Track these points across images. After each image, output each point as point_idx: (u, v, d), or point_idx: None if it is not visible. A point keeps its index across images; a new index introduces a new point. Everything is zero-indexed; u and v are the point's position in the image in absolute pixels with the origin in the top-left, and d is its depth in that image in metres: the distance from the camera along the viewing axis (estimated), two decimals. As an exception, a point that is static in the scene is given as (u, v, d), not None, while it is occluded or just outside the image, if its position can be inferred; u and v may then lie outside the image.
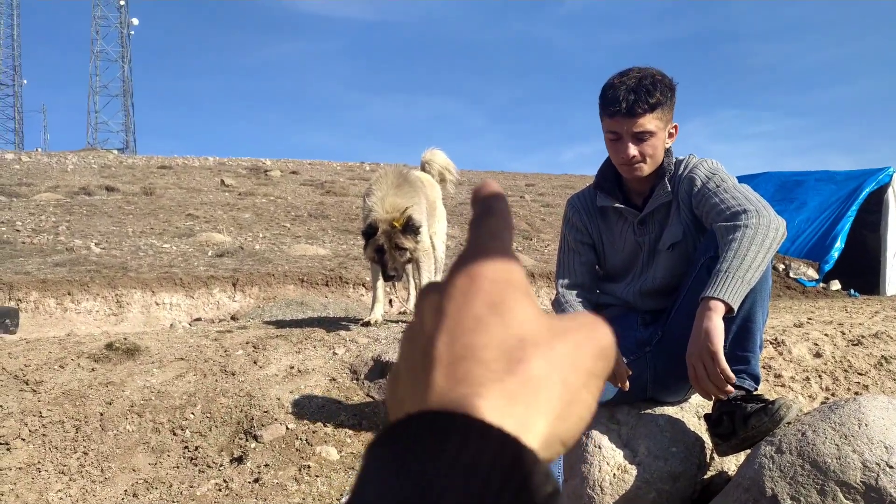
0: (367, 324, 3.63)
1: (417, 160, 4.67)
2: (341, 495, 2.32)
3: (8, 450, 2.58)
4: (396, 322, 3.79)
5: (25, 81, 57.41)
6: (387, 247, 3.47)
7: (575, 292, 2.30)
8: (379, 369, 2.99)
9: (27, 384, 2.93)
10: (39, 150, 32.26)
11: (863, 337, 2.95)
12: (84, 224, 9.76)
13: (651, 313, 2.26)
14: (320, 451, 2.51)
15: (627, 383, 2.03)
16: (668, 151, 2.20)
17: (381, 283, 3.83)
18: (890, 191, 8.77)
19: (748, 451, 2.03)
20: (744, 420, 1.98)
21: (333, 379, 2.98)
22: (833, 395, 2.61)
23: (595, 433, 2.18)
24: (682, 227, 2.16)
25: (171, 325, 5.77)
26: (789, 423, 1.95)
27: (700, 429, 2.21)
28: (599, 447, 2.14)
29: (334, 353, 3.18)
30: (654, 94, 2.02)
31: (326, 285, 6.90)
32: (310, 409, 2.75)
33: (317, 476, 2.40)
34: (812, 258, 8.74)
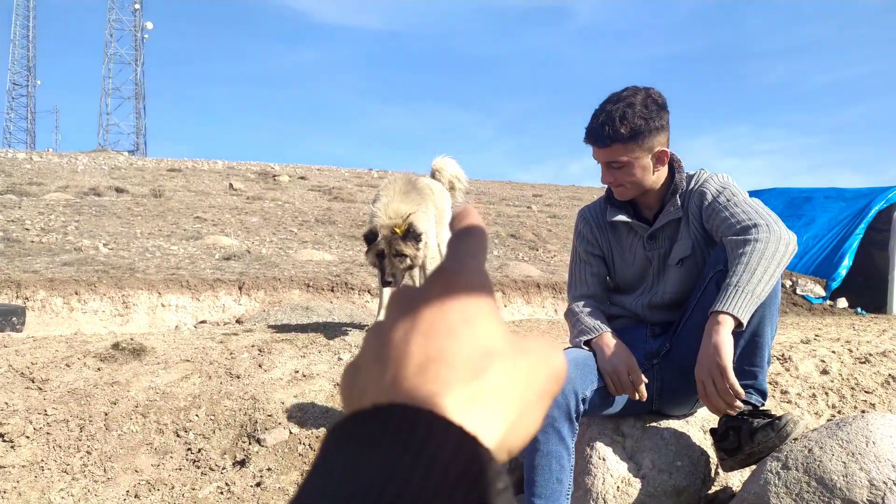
0: (373, 330, 3.65)
1: (426, 168, 4.68)
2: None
3: (12, 447, 2.58)
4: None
5: (39, 82, 58.00)
6: (386, 252, 3.49)
7: (583, 302, 2.31)
8: (383, 376, 2.99)
9: (33, 382, 2.95)
10: (51, 150, 32.51)
11: (870, 355, 2.93)
12: (93, 224, 9.82)
13: (660, 325, 2.26)
14: (323, 457, 2.50)
15: (644, 391, 2.02)
16: (676, 167, 2.19)
17: (387, 288, 3.83)
18: (899, 209, 8.73)
19: (753, 466, 2.01)
20: (750, 435, 1.97)
21: (338, 384, 2.98)
22: (839, 412, 2.59)
23: (599, 445, 2.17)
24: (691, 241, 2.16)
25: (177, 326, 5.78)
26: (796, 439, 1.94)
27: (705, 443, 2.20)
28: (604, 459, 2.13)
29: (339, 359, 3.18)
30: (623, 125, 2.02)
31: (332, 291, 6.91)
32: (313, 413, 2.75)
33: (319, 481, 2.40)
34: (819, 275, 8.69)
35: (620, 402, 2.13)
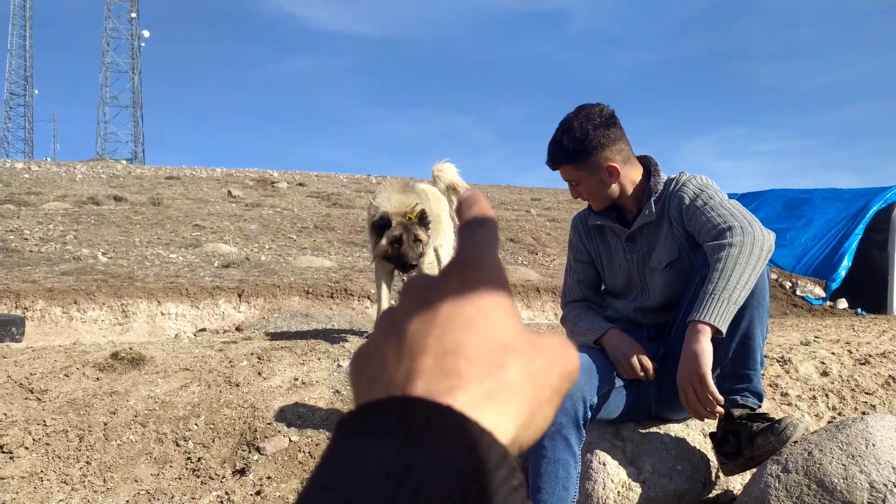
0: (372, 336, 3.62)
1: (424, 174, 4.68)
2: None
3: (11, 458, 2.57)
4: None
5: (37, 91, 58.05)
6: (405, 237, 3.42)
7: (574, 306, 2.40)
8: (383, 382, 2.98)
9: (32, 392, 2.94)
10: (49, 159, 32.53)
11: (870, 356, 2.93)
12: (91, 233, 9.82)
13: (655, 328, 2.27)
14: (323, 464, 2.50)
15: (651, 369, 2.09)
16: (653, 171, 2.25)
17: (385, 294, 3.82)
18: (897, 209, 8.74)
19: (754, 469, 2.01)
20: (750, 439, 1.97)
21: (337, 391, 2.98)
22: (840, 414, 2.59)
23: (599, 450, 2.17)
24: (676, 245, 2.19)
25: (176, 335, 5.78)
26: (796, 442, 1.94)
27: (706, 447, 2.19)
28: (604, 464, 2.13)
29: (339, 366, 3.18)
30: (562, 149, 2.17)
31: (331, 297, 6.90)
32: (313, 421, 2.74)
33: (319, 489, 2.39)
34: (819, 276, 8.70)
35: (620, 406, 2.13)
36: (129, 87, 50.98)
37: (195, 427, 2.74)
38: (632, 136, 2.25)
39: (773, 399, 2.66)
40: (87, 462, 2.58)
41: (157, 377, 3.07)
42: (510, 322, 0.34)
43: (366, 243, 10.17)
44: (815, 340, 3.29)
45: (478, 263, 0.36)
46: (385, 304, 3.83)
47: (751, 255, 1.89)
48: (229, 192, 15.45)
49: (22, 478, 2.50)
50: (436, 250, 4.08)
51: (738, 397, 2.03)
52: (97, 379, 3.05)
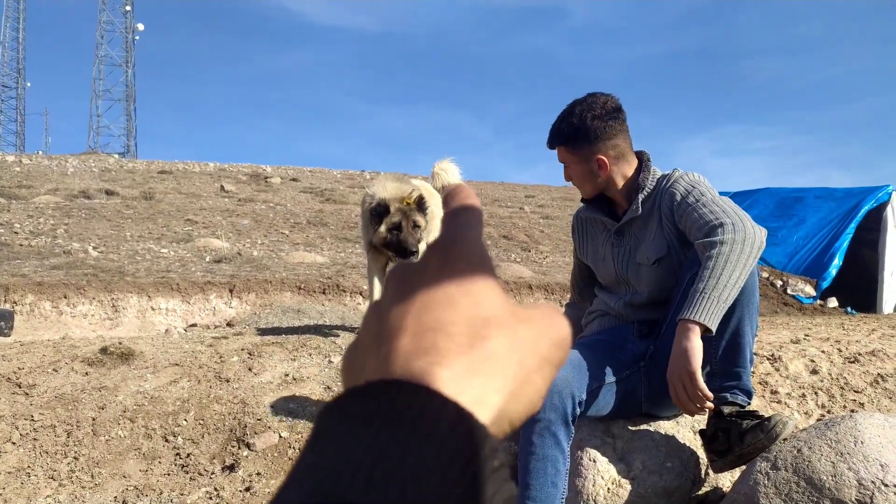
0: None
1: (419, 171, 4.67)
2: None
3: (-2, 453, 2.55)
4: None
5: (29, 84, 57.63)
6: (404, 223, 3.40)
7: (571, 306, 2.48)
8: (374, 378, 2.98)
9: (20, 387, 2.92)
10: (40, 152, 32.31)
11: (859, 354, 2.95)
12: (82, 227, 9.75)
13: (646, 325, 2.27)
14: (313, 460, 2.49)
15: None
16: (644, 166, 2.26)
17: (377, 288, 3.81)
18: (889, 209, 8.79)
19: (743, 467, 2.01)
20: (740, 436, 1.98)
21: (328, 387, 2.97)
22: (829, 412, 2.60)
23: (590, 447, 2.17)
24: (665, 241, 2.19)
25: (167, 330, 5.75)
26: (785, 439, 1.95)
27: (695, 444, 2.20)
28: (594, 461, 2.13)
29: (330, 362, 3.17)
30: (561, 131, 2.23)
31: (324, 293, 6.89)
32: (304, 417, 2.73)
33: (309, 485, 2.38)
34: (810, 275, 8.74)
35: (610, 403, 2.13)
36: (123, 81, 50.71)
37: (184, 423, 2.72)
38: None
39: (763, 397, 2.67)
40: (74, 457, 2.56)
41: (146, 372, 3.05)
42: (492, 296, 0.34)
43: (359, 239, 10.15)
44: (805, 339, 3.30)
45: (458, 244, 0.36)
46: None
47: (741, 252, 1.90)
48: (222, 186, 15.38)
49: (9, 473, 2.48)
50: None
51: (728, 395, 2.03)
52: (86, 374, 3.03)
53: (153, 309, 6.30)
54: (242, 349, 3.28)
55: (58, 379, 2.98)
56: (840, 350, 3.01)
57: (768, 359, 2.91)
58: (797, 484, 1.78)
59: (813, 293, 8.47)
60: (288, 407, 2.79)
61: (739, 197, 9.98)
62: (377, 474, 0.25)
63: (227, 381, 2.98)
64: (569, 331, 0.35)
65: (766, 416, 2.00)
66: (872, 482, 1.70)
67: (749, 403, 2.06)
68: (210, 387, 2.94)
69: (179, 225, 10.52)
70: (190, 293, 6.51)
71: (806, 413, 2.61)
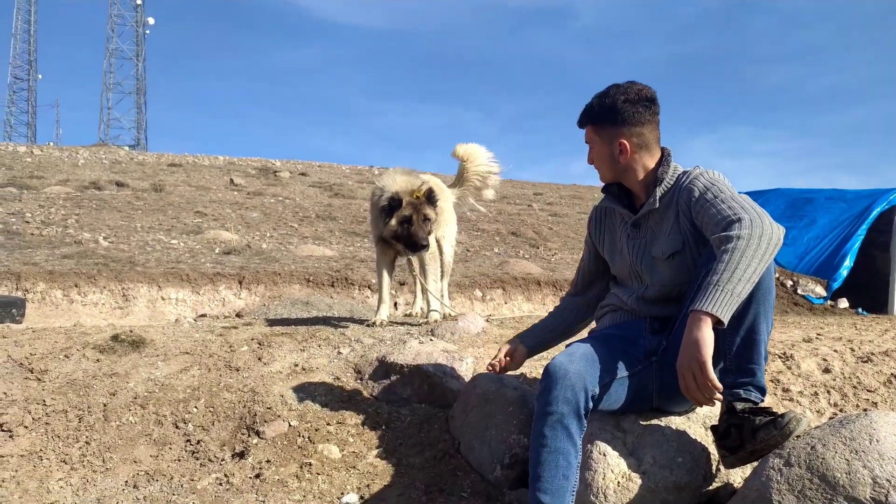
0: (373, 325, 3.61)
1: (426, 167, 4.67)
2: (342, 493, 2.31)
3: (10, 437, 2.57)
4: (402, 324, 3.78)
5: (40, 76, 58.04)
6: (415, 217, 3.43)
7: (563, 299, 2.57)
8: (383, 370, 2.98)
9: (32, 372, 2.94)
10: (51, 143, 32.50)
11: (872, 354, 2.92)
12: (93, 218, 9.81)
13: (658, 321, 2.25)
14: (322, 450, 2.49)
15: (502, 362, 2.42)
16: (664, 161, 2.25)
17: (386, 284, 3.81)
18: (900, 211, 8.72)
19: (755, 463, 2.00)
20: (752, 433, 1.96)
21: (337, 378, 2.97)
22: (841, 410, 2.58)
23: (600, 440, 2.16)
24: (681, 237, 2.17)
25: (177, 319, 5.78)
26: (798, 436, 1.93)
27: (707, 439, 2.19)
28: (604, 455, 2.12)
29: (339, 353, 3.17)
30: (591, 109, 2.28)
31: (332, 286, 6.90)
32: (313, 407, 2.74)
33: (318, 474, 2.39)
34: (821, 276, 8.69)
35: (622, 397, 2.13)
36: (133, 74, 50.86)
37: (195, 410, 2.73)
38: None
39: (775, 394, 2.65)
40: (86, 442, 2.58)
41: (157, 360, 3.07)
42: None
43: (367, 234, 10.16)
44: (817, 338, 3.28)
45: None
46: (386, 293, 3.80)
47: (758, 247, 1.88)
48: (231, 180, 15.43)
49: (21, 456, 2.50)
50: (438, 241, 4.06)
51: (742, 391, 2.02)
52: (97, 360, 3.05)
53: (163, 299, 6.34)
54: (252, 339, 3.29)
55: (69, 365, 3.00)
56: (853, 349, 2.98)
57: (780, 357, 2.89)
58: (810, 481, 1.77)
59: (823, 294, 8.43)
60: (297, 396, 2.79)
61: (751, 196, 9.92)
62: None
63: (237, 369, 2.99)
64: None
65: (780, 412, 1.99)
66: (888, 480, 1.69)
67: (762, 400, 2.04)
68: (220, 375, 2.95)
69: (189, 217, 10.56)
70: (200, 284, 6.54)
71: (818, 411, 2.59)
